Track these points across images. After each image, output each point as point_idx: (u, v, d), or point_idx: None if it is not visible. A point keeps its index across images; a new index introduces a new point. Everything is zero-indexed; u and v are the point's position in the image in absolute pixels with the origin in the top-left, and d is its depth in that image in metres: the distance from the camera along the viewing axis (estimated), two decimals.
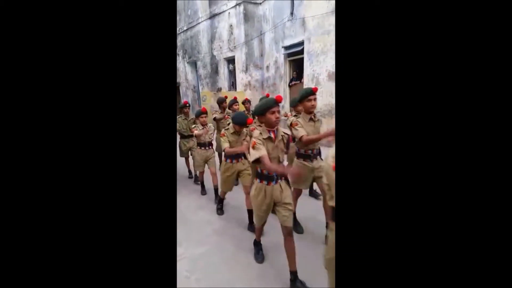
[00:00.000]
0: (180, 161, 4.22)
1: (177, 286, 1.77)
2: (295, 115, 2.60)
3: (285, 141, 1.74)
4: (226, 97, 4.19)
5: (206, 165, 3.34)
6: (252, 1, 7.02)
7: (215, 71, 8.86)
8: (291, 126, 2.16)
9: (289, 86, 6.75)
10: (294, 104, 2.83)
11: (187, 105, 3.96)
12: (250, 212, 2.47)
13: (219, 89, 8.79)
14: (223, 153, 2.71)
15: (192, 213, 2.93)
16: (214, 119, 3.78)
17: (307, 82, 5.91)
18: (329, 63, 5.34)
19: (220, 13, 7.90)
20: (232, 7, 7.31)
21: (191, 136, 3.79)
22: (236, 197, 3.22)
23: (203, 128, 3.16)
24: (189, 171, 4.32)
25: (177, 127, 3.87)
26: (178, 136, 3.74)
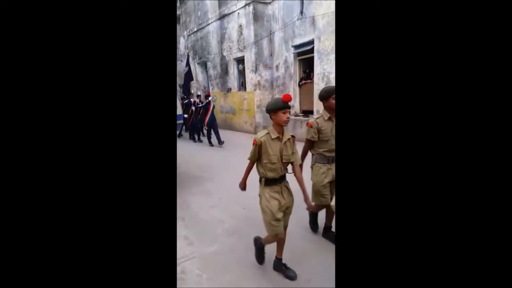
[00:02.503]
0: (189, 156, 4.20)
1: (190, 285, 1.80)
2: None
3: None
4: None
5: None
6: (262, 1, 7.01)
7: (225, 71, 8.91)
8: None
9: (299, 85, 6.71)
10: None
11: (288, 103, 1.61)
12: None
13: (229, 89, 8.83)
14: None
15: (204, 212, 2.96)
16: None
17: (317, 81, 5.85)
18: None
19: (229, 14, 7.93)
20: (242, 7, 7.33)
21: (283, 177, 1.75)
22: (248, 197, 3.23)
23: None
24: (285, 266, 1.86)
25: (254, 156, 1.72)
26: (260, 179, 1.84)
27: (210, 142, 6.66)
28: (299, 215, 2.67)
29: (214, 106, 6.63)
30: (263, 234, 2.37)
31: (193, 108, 7.23)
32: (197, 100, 7.25)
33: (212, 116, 6.54)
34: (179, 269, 1.96)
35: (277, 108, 1.62)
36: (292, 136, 1.76)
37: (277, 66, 7.24)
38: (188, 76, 8.47)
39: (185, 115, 7.29)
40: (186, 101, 7.60)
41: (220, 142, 6.44)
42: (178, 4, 11.06)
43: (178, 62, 12.32)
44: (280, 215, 1.72)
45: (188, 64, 8.62)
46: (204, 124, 6.65)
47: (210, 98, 6.65)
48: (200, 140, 7.31)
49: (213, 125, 6.56)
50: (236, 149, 5.85)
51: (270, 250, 2.09)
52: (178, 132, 6.69)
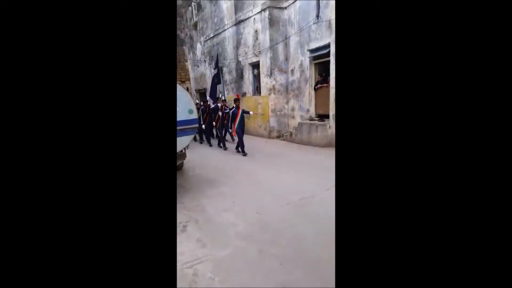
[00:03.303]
0: (204, 160, 4.26)
1: (202, 287, 1.80)
2: None
3: None
4: None
5: None
6: (277, 6, 7.05)
7: (240, 76, 9.00)
8: None
9: (315, 89, 6.64)
10: None
11: None
12: None
13: (244, 94, 8.90)
14: None
15: (218, 215, 2.97)
16: None
17: (334, 85, 5.77)
18: None
19: (245, 19, 8.03)
20: (258, 12, 7.40)
21: None
22: (261, 201, 3.21)
23: None
24: None
25: None
26: None
27: (243, 151, 5.91)
28: (315, 221, 2.62)
29: (243, 110, 6.01)
30: (275, 239, 2.34)
31: (220, 113, 6.75)
32: (223, 105, 6.86)
33: (242, 123, 5.86)
34: (191, 271, 1.97)
35: None
36: None
37: (292, 70, 7.22)
38: (217, 78, 7.79)
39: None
40: (213, 105, 7.17)
41: (243, 151, 5.86)
42: (195, 11, 11.37)
43: (194, 68, 12.62)
44: None
45: (217, 66, 7.77)
46: (233, 130, 5.94)
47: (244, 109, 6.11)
48: (225, 148, 6.70)
49: (239, 132, 5.91)
50: (251, 153, 5.86)
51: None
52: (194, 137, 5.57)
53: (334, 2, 5.44)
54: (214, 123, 7.12)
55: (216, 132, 7.32)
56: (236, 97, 6.47)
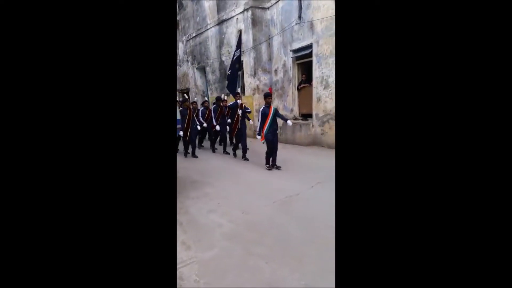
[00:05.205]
0: (188, 163, 4.16)
1: None
2: None
3: None
4: None
5: None
6: (260, 6, 7.07)
7: (223, 76, 8.94)
8: None
9: (298, 89, 6.72)
10: None
11: None
12: None
13: (228, 94, 8.85)
14: None
15: (203, 216, 2.92)
16: None
17: (316, 85, 5.87)
18: None
19: (228, 19, 8.00)
20: (240, 12, 7.39)
21: None
22: (247, 201, 3.20)
23: None
24: None
25: None
26: None
27: (274, 164, 4.54)
28: (300, 219, 2.64)
29: (275, 110, 4.40)
30: (261, 238, 2.34)
31: (240, 112, 5.18)
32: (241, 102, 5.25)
33: (274, 125, 4.34)
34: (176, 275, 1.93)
35: None
36: None
37: (275, 71, 7.26)
38: (238, 63, 5.36)
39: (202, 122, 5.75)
40: (232, 103, 5.44)
41: (274, 164, 4.51)
42: (177, 10, 11.17)
43: (177, 67, 12.40)
44: None
45: (239, 47, 5.32)
46: (261, 134, 4.40)
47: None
48: (246, 158, 5.21)
49: (274, 141, 4.39)
50: (236, 153, 5.83)
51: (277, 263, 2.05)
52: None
53: (315, 3, 5.54)
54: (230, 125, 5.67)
55: (224, 137, 5.96)
56: (268, 91, 4.65)
